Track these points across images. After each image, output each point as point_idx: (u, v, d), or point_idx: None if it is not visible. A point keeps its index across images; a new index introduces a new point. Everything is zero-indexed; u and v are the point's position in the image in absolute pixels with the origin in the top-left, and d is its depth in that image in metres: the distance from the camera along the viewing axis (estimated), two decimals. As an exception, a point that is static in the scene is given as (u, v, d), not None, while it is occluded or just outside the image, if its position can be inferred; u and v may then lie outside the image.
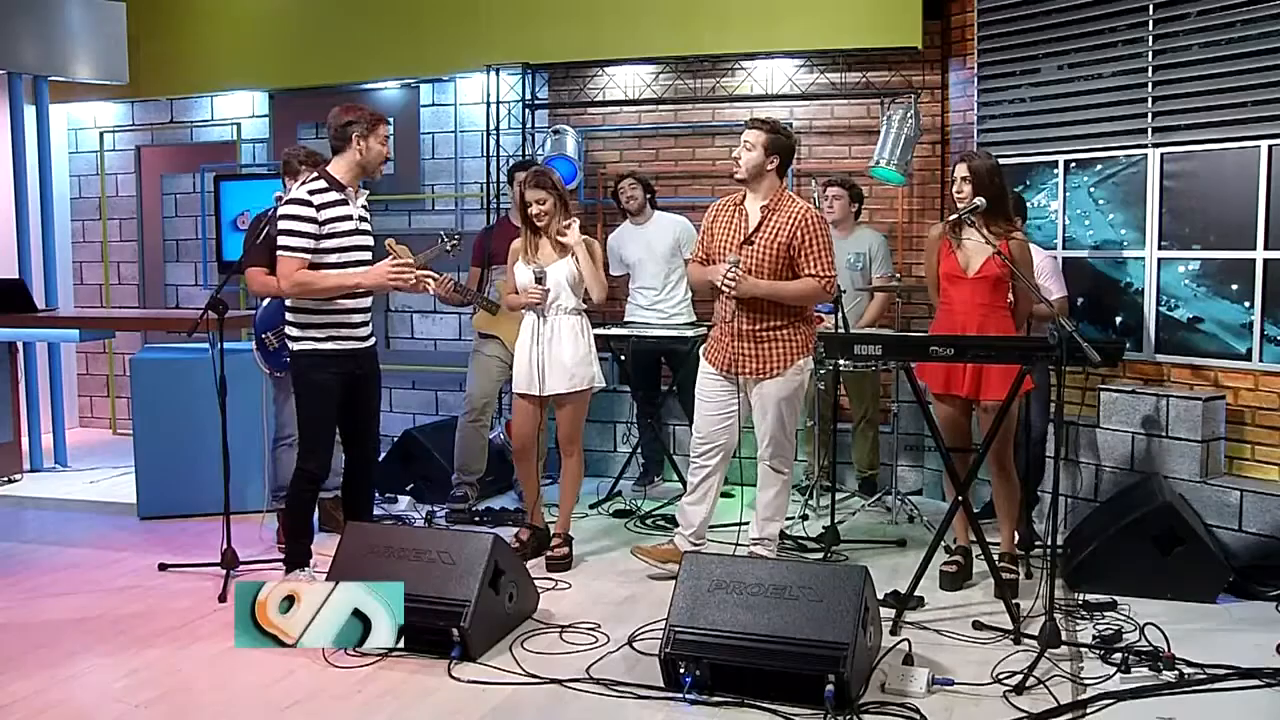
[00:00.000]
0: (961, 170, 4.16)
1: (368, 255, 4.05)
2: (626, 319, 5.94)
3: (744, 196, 4.25)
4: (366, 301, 4.10)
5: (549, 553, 4.56)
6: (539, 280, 4.43)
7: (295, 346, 3.98)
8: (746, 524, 4.40)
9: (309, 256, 3.87)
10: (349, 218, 3.95)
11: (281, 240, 3.87)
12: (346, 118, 3.95)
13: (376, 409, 4.26)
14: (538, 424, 4.60)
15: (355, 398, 4.09)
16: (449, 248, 5.14)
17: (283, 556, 4.20)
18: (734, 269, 4.09)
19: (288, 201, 3.90)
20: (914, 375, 4.27)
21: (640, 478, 6.03)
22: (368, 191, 4.13)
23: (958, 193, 4.17)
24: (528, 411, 4.58)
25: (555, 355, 4.46)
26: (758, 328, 4.17)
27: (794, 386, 4.20)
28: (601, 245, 4.70)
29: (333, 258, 3.92)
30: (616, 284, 6.15)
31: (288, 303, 4.00)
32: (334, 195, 3.91)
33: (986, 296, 4.17)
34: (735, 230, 4.22)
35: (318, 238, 3.87)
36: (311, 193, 3.88)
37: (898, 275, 5.75)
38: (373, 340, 4.15)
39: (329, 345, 3.97)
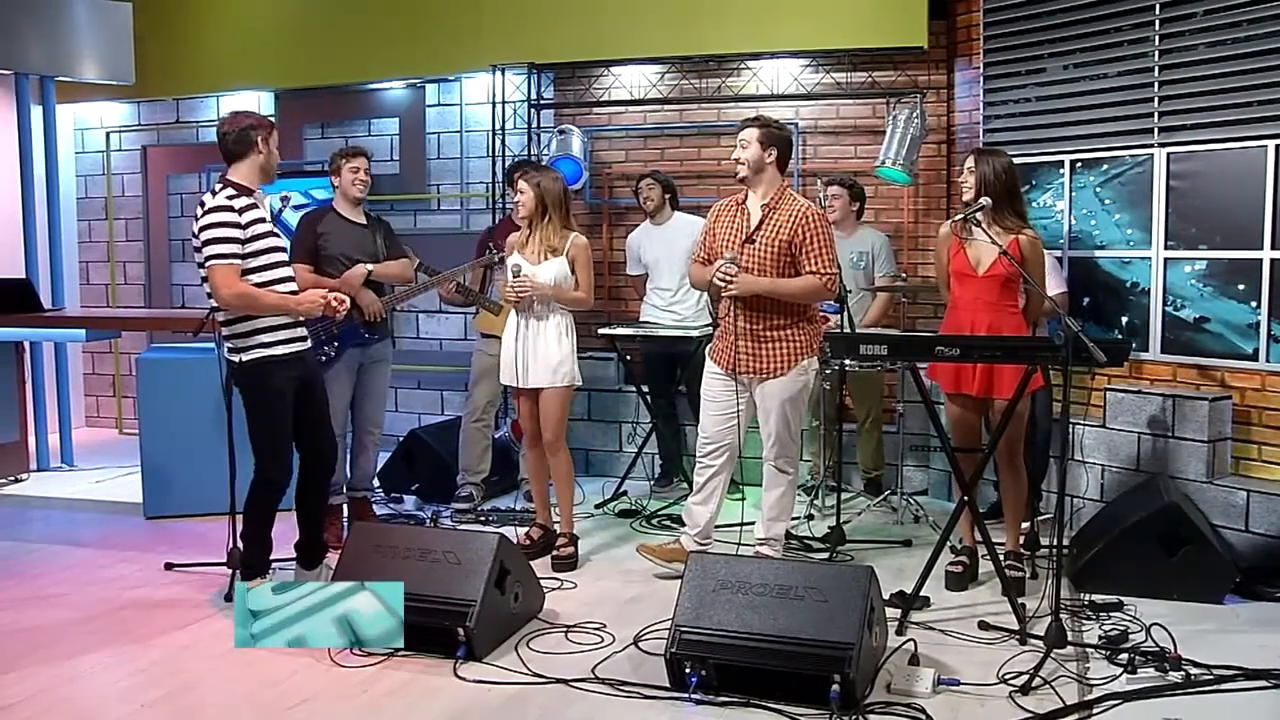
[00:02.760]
0: (969, 164, 4.16)
1: (285, 256, 4.06)
2: (642, 319, 5.92)
3: (745, 196, 4.25)
4: None
5: (555, 552, 4.56)
6: (515, 274, 4.46)
7: (245, 357, 3.89)
8: (751, 524, 4.40)
9: (240, 263, 3.84)
10: (264, 220, 3.95)
11: (212, 250, 3.79)
12: (245, 122, 3.94)
13: (327, 414, 4.23)
14: (536, 416, 4.62)
15: (310, 403, 4.07)
16: (498, 259, 5.14)
17: (239, 566, 4.04)
18: (729, 265, 4.09)
19: (210, 210, 3.82)
20: (919, 375, 4.25)
21: (659, 479, 6.01)
22: (269, 198, 4.11)
23: (963, 183, 4.17)
24: (524, 404, 4.62)
25: (540, 351, 4.50)
26: (759, 327, 4.16)
27: (798, 387, 4.19)
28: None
29: (261, 259, 3.90)
30: (633, 283, 6.15)
31: (222, 315, 3.92)
32: (248, 200, 3.90)
33: (996, 295, 4.16)
34: (737, 230, 4.21)
35: (244, 243, 3.84)
36: (230, 198, 3.84)
37: (903, 275, 5.74)
38: (309, 344, 4.13)
39: (282, 350, 3.93)
